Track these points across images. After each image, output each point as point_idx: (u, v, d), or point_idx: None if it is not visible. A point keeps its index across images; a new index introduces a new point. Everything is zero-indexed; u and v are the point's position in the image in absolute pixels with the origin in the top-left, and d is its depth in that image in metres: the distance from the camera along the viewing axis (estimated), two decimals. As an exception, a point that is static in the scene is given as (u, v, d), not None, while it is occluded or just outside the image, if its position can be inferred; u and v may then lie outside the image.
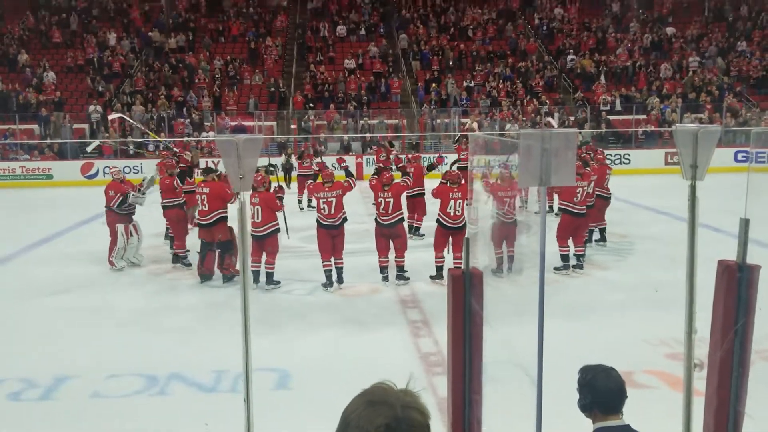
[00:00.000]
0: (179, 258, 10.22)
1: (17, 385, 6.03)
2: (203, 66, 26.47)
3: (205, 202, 9.12)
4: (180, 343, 7.04)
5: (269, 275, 8.94)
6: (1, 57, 26.85)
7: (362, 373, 6.06)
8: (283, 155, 19.54)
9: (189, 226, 10.89)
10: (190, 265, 10.01)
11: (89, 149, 20.38)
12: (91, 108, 23.93)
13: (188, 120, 23.97)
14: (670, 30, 28.94)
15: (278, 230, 8.98)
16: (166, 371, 6.24)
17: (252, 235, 8.82)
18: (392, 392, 1.38)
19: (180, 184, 10.32)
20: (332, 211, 8.73)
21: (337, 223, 8.80)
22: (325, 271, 8.85)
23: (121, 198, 9.98)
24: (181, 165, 11.73)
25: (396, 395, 1.37)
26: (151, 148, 22.91)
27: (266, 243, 8.85)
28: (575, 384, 2.90)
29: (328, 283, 8.86)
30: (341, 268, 8.93)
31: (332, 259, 8.86)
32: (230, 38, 28.81)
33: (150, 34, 28.13)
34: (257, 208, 8.75)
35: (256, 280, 8.96)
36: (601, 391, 2.77)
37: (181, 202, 10.35)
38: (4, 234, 13.03)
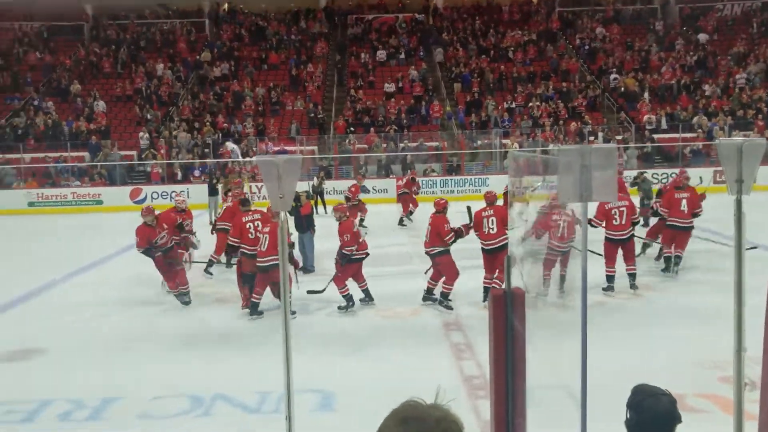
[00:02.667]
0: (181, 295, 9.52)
1: (66, 405, 6.15)
2: (247, 93, 27.02)
3: (264, 244, 8.54)
4: (224, 364, 7.11)
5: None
6: (55, 88, 27.89)
7: (405, 395, 6.00)
8: (315, 178, 19.65)
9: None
10: (188, 303, 9.48)
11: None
12: (141, 134, 24.69)
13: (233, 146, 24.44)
14: (703, 37, 28.51)
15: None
16: (211, 392, 6.30)
17: (257, 265, 8.66)
18: (423, 407, 1.38)
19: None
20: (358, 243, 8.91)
21: (365, 255, 9.05)
22: (345, 296, 8.91)
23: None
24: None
25: (427, 410, 1.37)
26: (197, 173, 23.42)
27: (272, 276, 8.53)
28: (623, 407, 2.84)
29: (350, 305, 8.92)
30: (367, 289, 9.10)
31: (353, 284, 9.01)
32: (272, 66, 29.39)
33: (200, 56, 28.94)
34: (265, 236, 8.50)
35: (254, 311, 8.72)
36: (648, 415, 2.70)
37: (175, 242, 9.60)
38: (55, 259, 13.40)
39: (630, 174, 16.64)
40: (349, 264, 8.84)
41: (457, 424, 1.37)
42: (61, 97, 27.42)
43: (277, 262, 8.26)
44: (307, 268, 11.02)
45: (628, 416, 2.76)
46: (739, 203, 2.41)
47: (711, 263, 10.64)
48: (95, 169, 23.74)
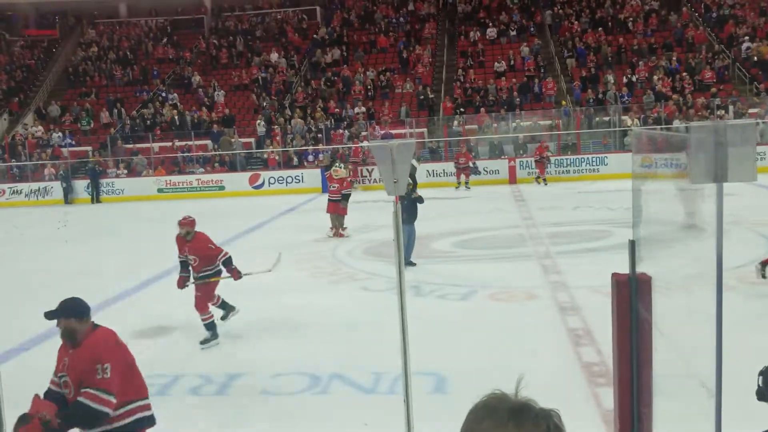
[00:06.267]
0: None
1: (196, 380, 6.52)
2: (358, 77, 27.36)
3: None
4: (341, 344, 7.28)
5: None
6: (178, 80, 29.49)
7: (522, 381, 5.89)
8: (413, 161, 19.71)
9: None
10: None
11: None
12: (258, 121, 25.68)
13: (345, 130, 24.90)
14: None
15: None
16: (328, 371, 6.47)
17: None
18: (514, 399, 1.33)
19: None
20: None
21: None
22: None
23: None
24: None
25: (518, 401, 1.33)
26: (310, 158, 24.06)
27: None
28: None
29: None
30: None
31: None
32: (381, 49, 29.56)
33: (316, 35, 29.65)
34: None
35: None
36: None
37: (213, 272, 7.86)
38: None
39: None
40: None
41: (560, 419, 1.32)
42: (184, 88, 28.96)
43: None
44: (410, 261, 10.16)
45: (760, 384, 2.74)
46: None
47: None
48: (217, 157, 24.97)
